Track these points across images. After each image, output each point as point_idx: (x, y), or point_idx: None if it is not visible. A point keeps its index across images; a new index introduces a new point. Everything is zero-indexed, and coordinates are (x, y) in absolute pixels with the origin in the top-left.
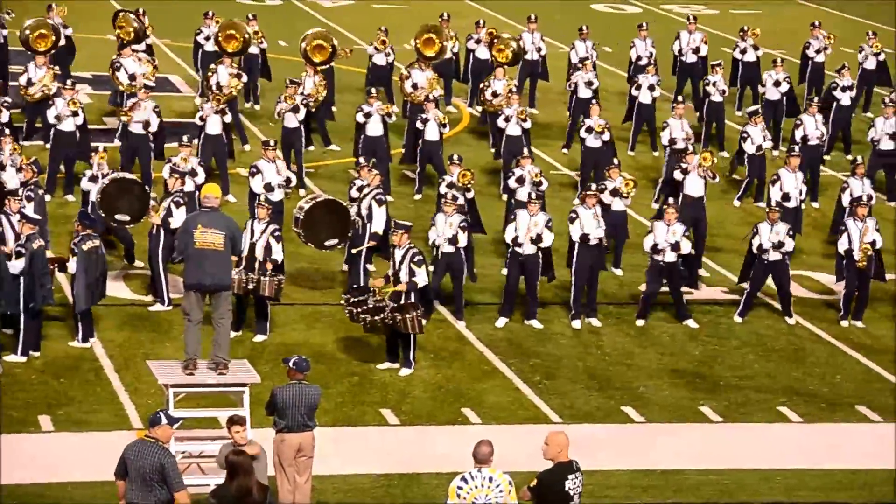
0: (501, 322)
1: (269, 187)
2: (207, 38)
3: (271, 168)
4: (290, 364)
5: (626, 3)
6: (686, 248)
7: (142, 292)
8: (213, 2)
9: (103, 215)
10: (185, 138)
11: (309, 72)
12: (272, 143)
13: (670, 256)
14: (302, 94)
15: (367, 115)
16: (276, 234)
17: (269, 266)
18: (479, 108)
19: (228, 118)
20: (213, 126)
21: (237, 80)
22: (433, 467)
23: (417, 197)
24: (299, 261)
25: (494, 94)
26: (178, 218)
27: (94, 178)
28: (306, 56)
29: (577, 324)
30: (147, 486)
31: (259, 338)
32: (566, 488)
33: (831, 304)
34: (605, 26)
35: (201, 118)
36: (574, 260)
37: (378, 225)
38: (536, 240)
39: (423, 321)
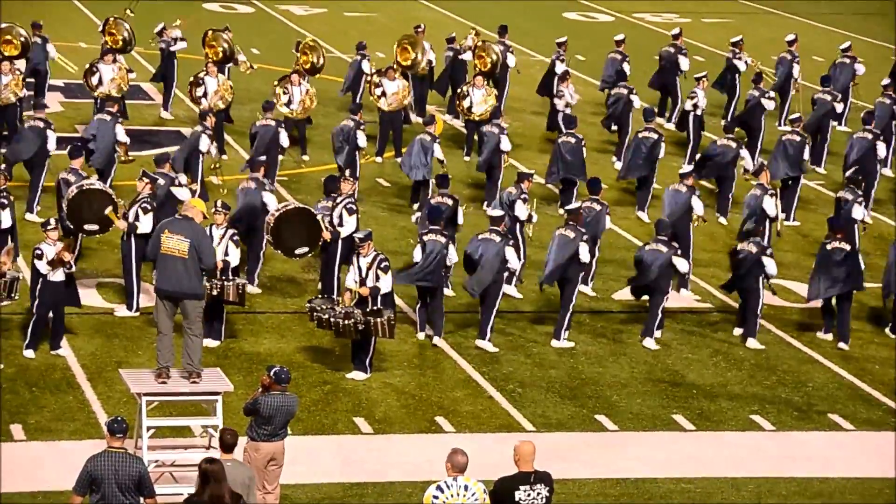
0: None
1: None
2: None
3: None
4: (271, 374)
5: (598, 12)
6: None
7: (115, 301)
8: (182, 7)
9: (72, 226)
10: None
11: (295, 81)
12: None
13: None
14: (289, 103)
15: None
16: (234, 238)
17: (219, 265)
18: (451, 116)
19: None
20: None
21: (229, 90)
22: (406, 476)
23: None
24: (270, 269)
25: (465, 104)
26: (145, 223)
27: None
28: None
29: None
30: (124, 497)
31: (212, 343)
32: (516, 498)
33: (803, 313)
34: (577, 34)
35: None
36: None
37: (346, 233)
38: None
39: (395, 327)
